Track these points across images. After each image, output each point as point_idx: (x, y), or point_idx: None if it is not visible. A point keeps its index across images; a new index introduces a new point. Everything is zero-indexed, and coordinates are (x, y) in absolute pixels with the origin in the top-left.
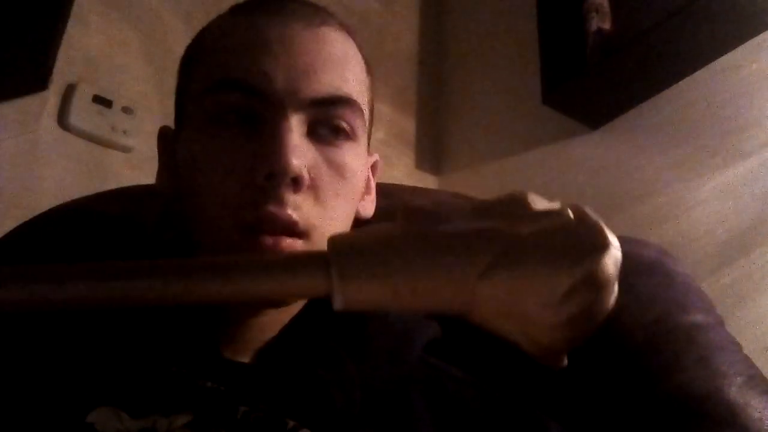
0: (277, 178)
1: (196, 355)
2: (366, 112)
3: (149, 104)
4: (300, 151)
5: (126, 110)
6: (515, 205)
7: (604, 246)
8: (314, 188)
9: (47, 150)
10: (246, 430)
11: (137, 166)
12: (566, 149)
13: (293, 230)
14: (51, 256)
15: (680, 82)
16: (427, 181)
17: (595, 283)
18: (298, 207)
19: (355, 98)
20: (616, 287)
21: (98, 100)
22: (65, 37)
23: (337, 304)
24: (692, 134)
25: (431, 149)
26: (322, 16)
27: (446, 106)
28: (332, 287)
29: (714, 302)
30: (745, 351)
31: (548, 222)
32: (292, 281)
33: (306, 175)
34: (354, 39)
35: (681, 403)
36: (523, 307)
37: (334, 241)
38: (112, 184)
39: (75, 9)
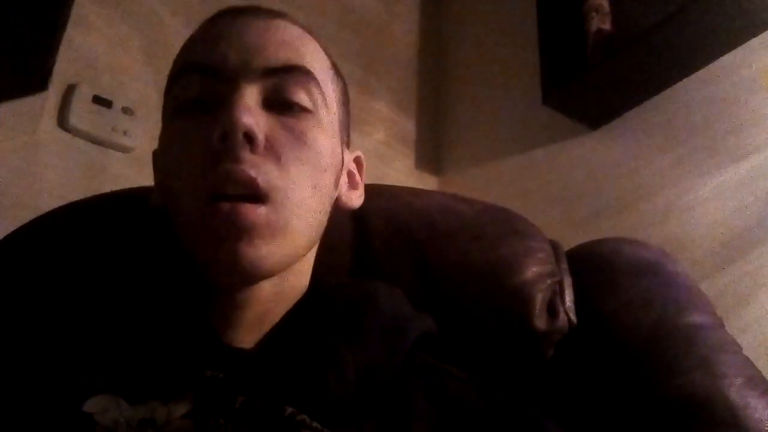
0: (229, 136)
1: (196, 342)
2: (333, 100)
3: (149, 105)
4: (251, 112)
5: (126, 111)
6: None
7: None
8: (274, 151)
9: (47, 151)
10: (244, 418)
11: (137, 167)
12: (566, 149)
13: (253, 193)
14: (52, 257)
15: (680, 83)
16: (427, 181)
17: None
18: (255, 165)
19: (308, 68)
20: None
21: (98, 100)
22: (65, 37)
23: None
24: (692, 134)
25: (431, 149)
26: (280, 14)
27: (446, 106)
28: None
29: (714, 303)
30: (745, 352)
31: None
32: None
33: (258, 132)
34: (317, 40)
35: (681, 405)
36: None
37: None
38: (112, 185)
39: (75, 9)
